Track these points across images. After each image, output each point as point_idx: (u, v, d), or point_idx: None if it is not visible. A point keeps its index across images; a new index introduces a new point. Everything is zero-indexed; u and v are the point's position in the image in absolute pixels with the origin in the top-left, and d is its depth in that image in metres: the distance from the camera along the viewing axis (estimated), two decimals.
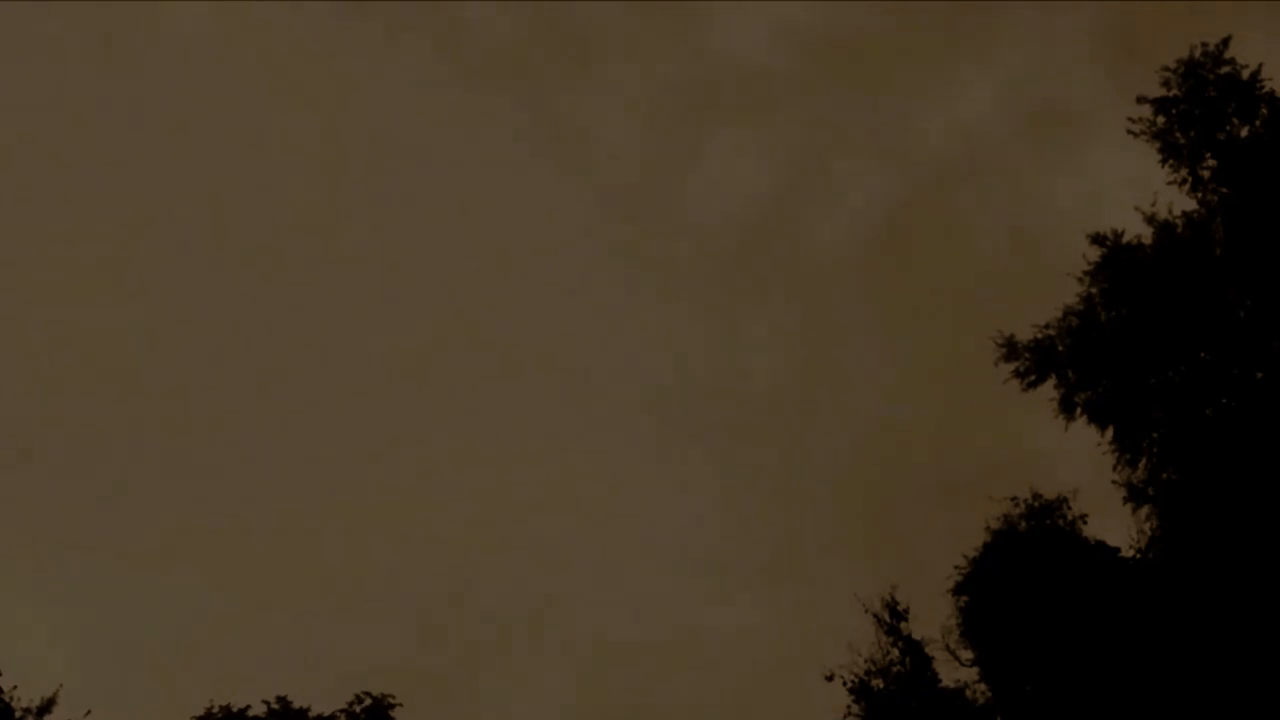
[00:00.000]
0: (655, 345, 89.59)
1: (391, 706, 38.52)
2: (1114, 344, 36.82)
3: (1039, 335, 38.02)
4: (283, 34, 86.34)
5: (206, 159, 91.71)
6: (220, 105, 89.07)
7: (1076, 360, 37.44)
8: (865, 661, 35.58)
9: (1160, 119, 37.68)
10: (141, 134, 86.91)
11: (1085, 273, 37.65)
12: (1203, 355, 35.99)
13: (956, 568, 35.74)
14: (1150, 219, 37.39)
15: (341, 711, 38.17)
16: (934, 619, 35.76)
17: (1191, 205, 37.33)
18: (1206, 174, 37.23)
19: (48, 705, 34.01)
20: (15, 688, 33.80)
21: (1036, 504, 36.04)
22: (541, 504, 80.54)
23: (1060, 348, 37.73)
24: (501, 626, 70.11)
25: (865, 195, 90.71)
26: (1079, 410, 37.57)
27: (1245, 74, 37.14)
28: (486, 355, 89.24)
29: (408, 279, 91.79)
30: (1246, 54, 37.33)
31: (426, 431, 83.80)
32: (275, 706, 37.52)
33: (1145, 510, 35.76)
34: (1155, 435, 36.33)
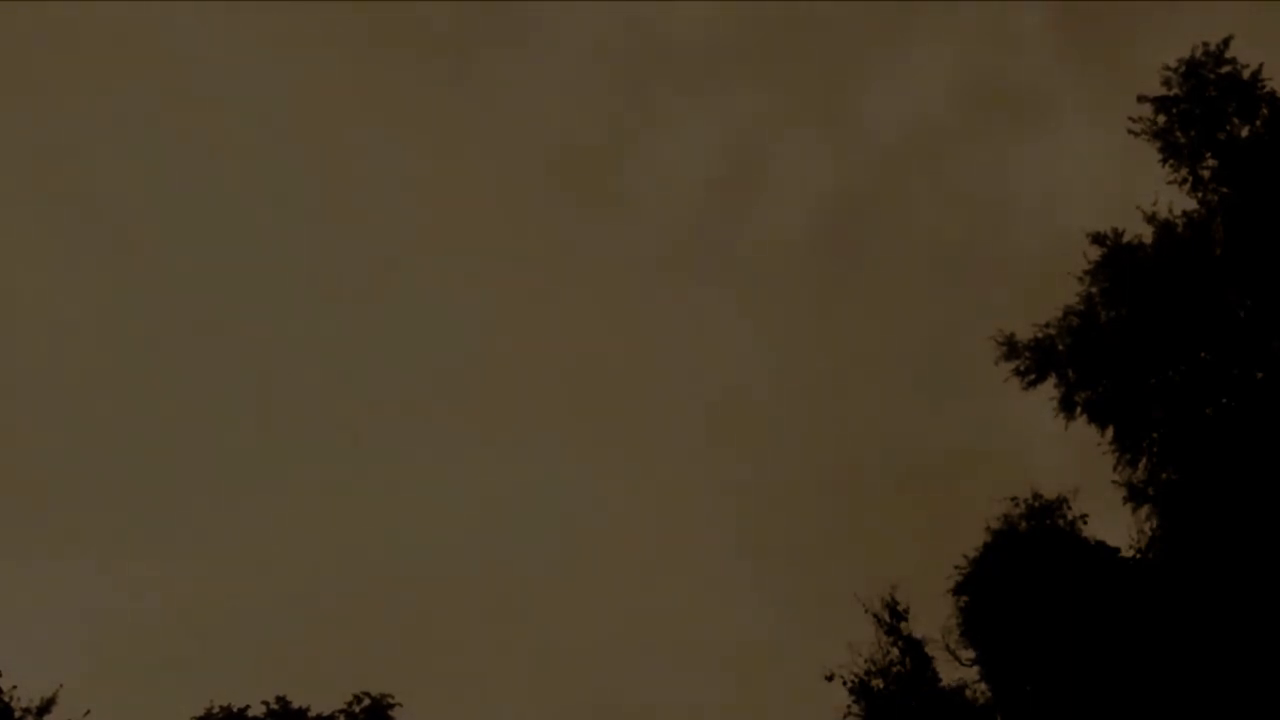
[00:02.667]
0: (607, 338, 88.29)
1: (390, 706, 38.53)
2: (1114, 344, 36.79)
3: (1039, 335, 38.03)
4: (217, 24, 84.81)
5: (165, 155, 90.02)
6: (160, 100, 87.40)
7: (1076, 360, 37.42)
8: (865, 661, 35.60)
9: (1160, 119, 37.67)
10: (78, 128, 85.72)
11: (1085, 272, 37.64)
12: (1203, 355, 35.97)
13: (957, 568, 35.73)
14: (1150, 218, 37.38)
15: (341, 712, 38.19)
16: (934, 619, 35.80)
17: (1191, 205, 37.36)
18: (1206, 174, 37.21)
19: (48, 705, 34.02)
20: (15, 688, 33.84)
21: (1036, 504, 36.02)
22: (517, 505, 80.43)
23: (1060, 347, 37.71)
24: (492, 621, 70.12)
25: (818, 178, 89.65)
26: (1079, 410, 37.56)
27: (1245, 74, 37.13)
28: (438, 351, 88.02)
29: (347, 268, 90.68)
30: (1246, 54, 37.44)
31: (405, 432, 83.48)
32: (275, 707, 37.53)
33: (1145, 510, 35.75)
34: (1155, 435, 36.31)
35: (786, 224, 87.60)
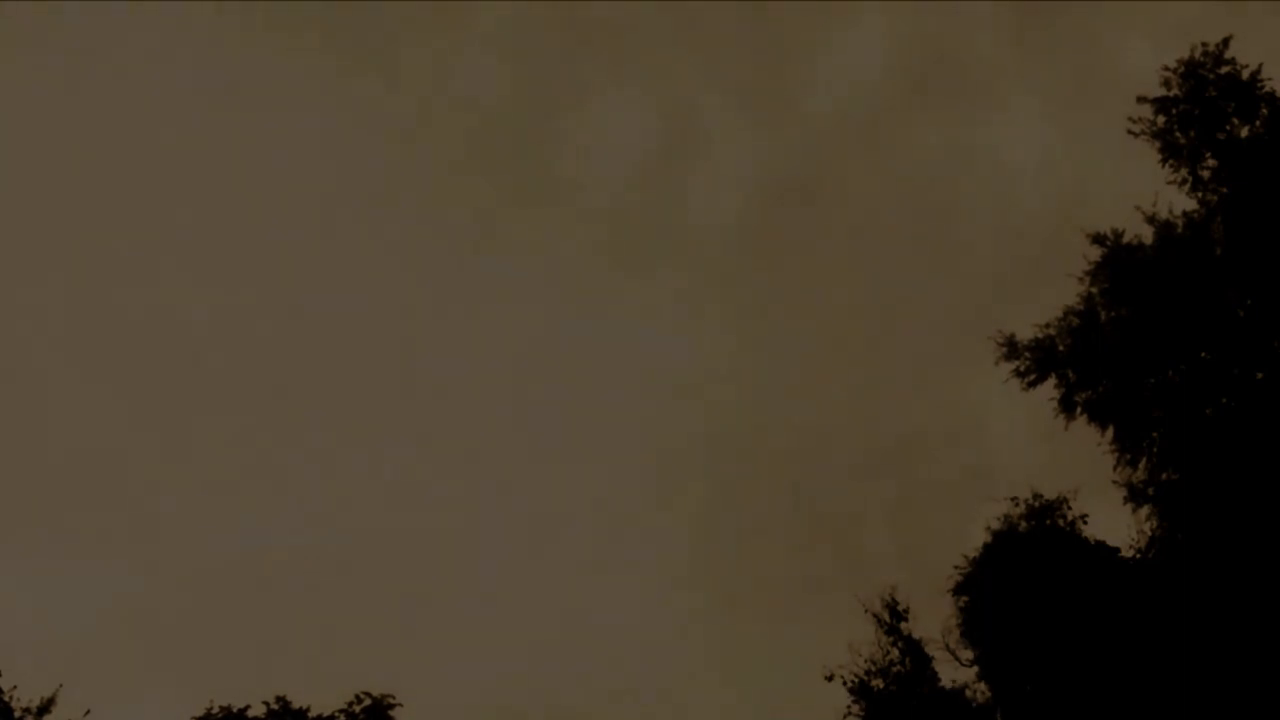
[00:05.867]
0: (544, 326, 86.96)
1: (391, 706, 38.48)
2: (1114, 344, 36.83)
3: (1039, 335, 38.08)
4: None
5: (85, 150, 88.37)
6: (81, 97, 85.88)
7: (1077, 360, 37.46)
8: (865, 661, 35.62)
9: (1160, 119, 37.74)
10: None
11: (1085, 273, 37.70)
12: (1203, 355, 36.00)
13: (956, 568, 35.78)
14: (1150, 219, 37.43)
15: (341, 712, 38.12)
16: (934, 619, 35.84)
17: (1192, 205, 37.41)
18: (1206, 174, 37.25)
19: (48, 705, 33.99)
20: (15, 688, 33.81)
21: (1036, 504, 36.06)
22: (500, 504, 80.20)
23: (1060, 347, 37.76)
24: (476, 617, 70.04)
25: (754, 157, 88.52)
26: (1079, 410, 37.59)
27: (1245, 74, 37.19)
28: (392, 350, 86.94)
29: (272, 262, 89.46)
30: (1246, 54, 37.49)
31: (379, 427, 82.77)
32: (275, 706, 37.47)
33: (1145, 510, 35.78)
34: (1155, 435, 36.34)
35: (725, 207, 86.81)
